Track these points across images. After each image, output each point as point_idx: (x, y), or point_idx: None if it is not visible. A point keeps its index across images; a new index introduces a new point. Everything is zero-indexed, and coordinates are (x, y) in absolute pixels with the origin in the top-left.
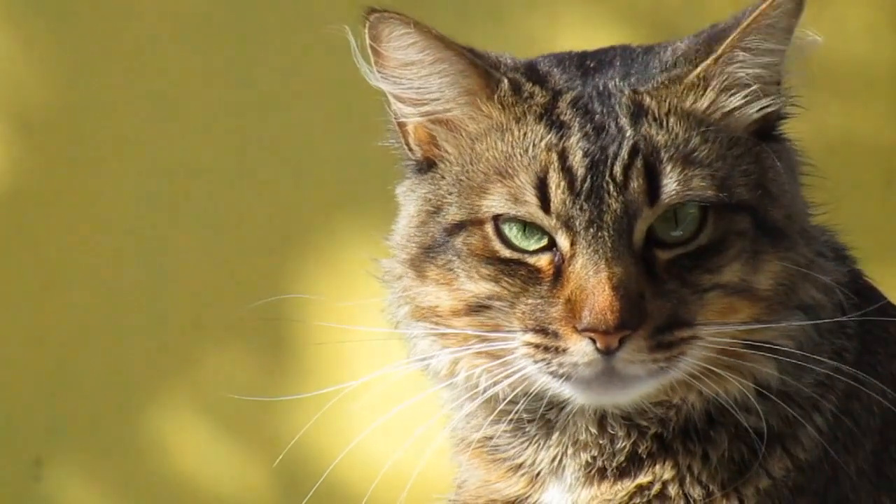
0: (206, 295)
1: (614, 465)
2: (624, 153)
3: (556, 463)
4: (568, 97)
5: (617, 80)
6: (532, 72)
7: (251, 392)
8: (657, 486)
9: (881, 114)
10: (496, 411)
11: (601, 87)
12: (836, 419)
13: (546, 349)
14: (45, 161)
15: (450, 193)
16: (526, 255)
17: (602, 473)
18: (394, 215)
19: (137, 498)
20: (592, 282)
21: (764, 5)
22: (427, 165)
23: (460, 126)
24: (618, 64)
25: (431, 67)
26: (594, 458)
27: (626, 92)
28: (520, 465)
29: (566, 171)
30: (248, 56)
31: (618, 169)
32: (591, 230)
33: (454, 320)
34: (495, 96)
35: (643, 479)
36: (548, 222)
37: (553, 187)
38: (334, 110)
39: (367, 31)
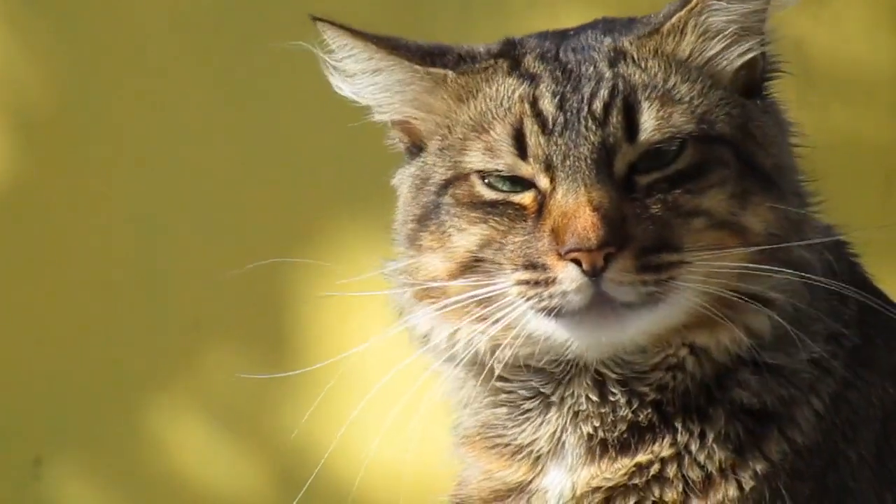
0: (206, 295)
1: (615, 435)
2: (604, 91)
3: (555, 440)
4: (535, 53)
5: (598, 34)
6: (503, 47)
7: (251, 392)
8: (656, 466)
9: (881, 114)
10: (491, 387)
11: (576, 43)
12: (835, 405)
13: (536, 283)
14: (45, 161)
15: (435, 163)
16: (510, 195)
17: (604, 446)
18: (392, 213)
19: (137, 497)
20: (573, 206)
21: None
22: (417, 149)
23: (430, 108)
24: (600, 26)
25: (384, 73)
26: (596, 429)
27: (606, 42)
28: (520, 448)
29: (537, 115)
30: (249, 56)
31: (597, 105)
32: (568, 161)
33: (451, 284)
34: (447, 84)
35: (642, 457)
36: (526, 170)
37: (528, 133)
38: (335, 110)
39: (320, 45)
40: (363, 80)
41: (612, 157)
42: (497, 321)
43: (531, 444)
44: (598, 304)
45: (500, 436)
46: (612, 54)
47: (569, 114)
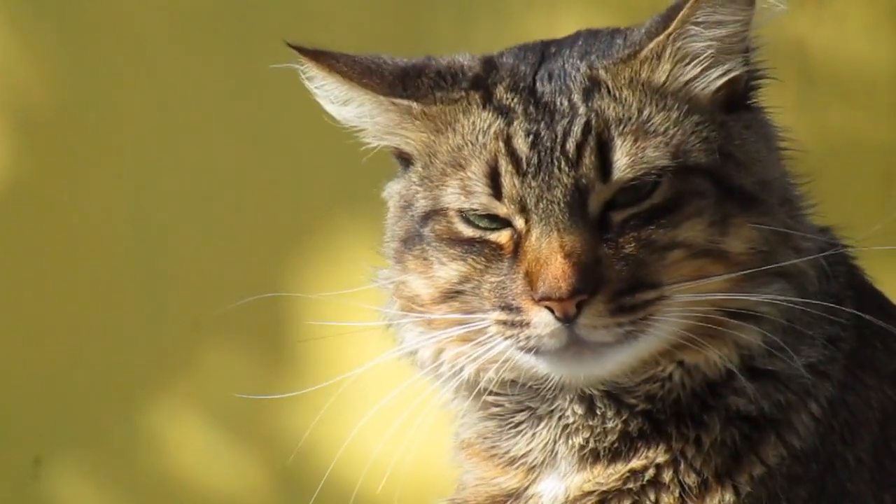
0: (206, 295)
1: (605, 445)
2: (577, 130)
3: (548, 451)
4: (508, 82)
5: (575, 58)
6: (481, 68)
7: (251, 392)
8: (651, 472)
9: (881, 114)
10: (482, 402)
11: (557, 68)
12: (833, 409)
13: (512, 324)
14: (44, 161)
15: (417, 190)
16: (487, 233)
17: (595, 455)
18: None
19: (136, 497)
20: (545, 252)
21: None
22: (407, 162)
23: (406, 138)
24: (580, 43)
25: (359, 102)
26: (586, 440)
27: (582, 69)
28: (514, 458)
29: (511, 155)
30: (249, 56)
31: (570, 146)
32: (542, 204)
33: (433, 308)
34: (427, 110)
35: (636, 462)
36: (502, 209)
37: (502, 173)
38: None
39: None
40: (340, 107)
41: (586, 198)
42: (481, 351)
43: (525, 456)
44: (575, 345)
45: (494, 446)
46: (587, 84)
47: (542, 153)
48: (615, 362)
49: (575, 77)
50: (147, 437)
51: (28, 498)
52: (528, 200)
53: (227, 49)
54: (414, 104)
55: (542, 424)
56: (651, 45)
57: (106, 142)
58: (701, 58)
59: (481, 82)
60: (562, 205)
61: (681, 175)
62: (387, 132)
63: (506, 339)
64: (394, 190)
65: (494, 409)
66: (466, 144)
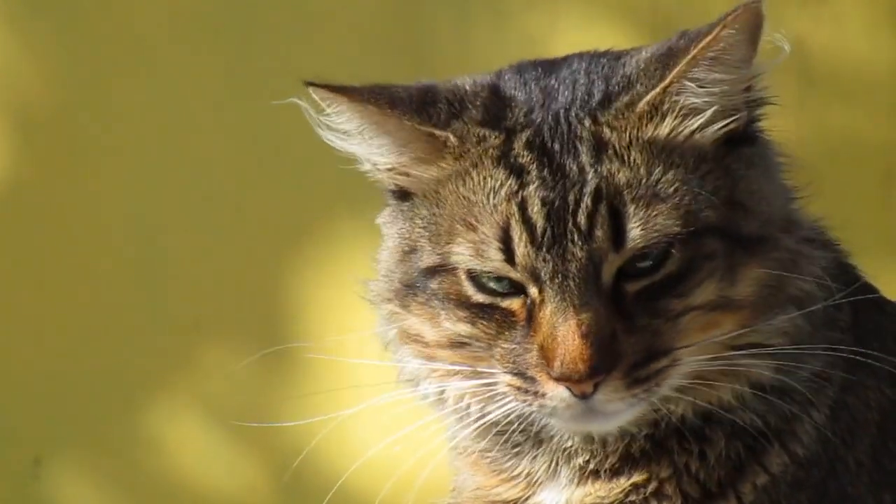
0: (206, 295)
1: (606, 466)
2: (587, 200)
3: (550, 470)
4: (524, 137)
5: (577, 106)
6: (492, 101)
7: (251, 392)
8: (653, 485)
9: (881, 114)
10: (488, 432)
11: (561, 117)
12: (834, 412)
13: (526, 391)
14: (44, 161)
15: (422, 236)
16: (499, 299)
17: (596, 474)
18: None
19: (136, 497)
20: (562, 330)
21: (706, 39)
22: (403, 195)
23: (420, 175)
24: (581, 80)
25: (375, 138)
26: (586, 461)
27: (587, 124)
28: (515, 476)
29: (526, 222)
30: (249, 56)
31: (581, 217)
32: (557, 280)
33: (438, 351)
34: (444, 153)
35: (638, 477)
36: (515, 274)
37: (516, 240)
38: None
39: (312, 102)
40: (356, 140)
41: (599, 269)
42: (489, 392)
43: (528, 474)
44: (588, 412)
45: (495, 462)
46: (593, 143)
47: (555, 225)
48: (624, 420)
49: (581, 134)
50: (147, 437)
51: (28, 498)
52: (542, 273)
53: (227, 49)
54: (450, 135)
55: (543, 447)
56: (647, 98)
57: (106, 142)
58: (706, 111)
59: (496, 120)
60: (577, 279)
61: (693, 239)
62: (402, 168)
63: (517, 400)
64: (394, 228)
65: (496, 429)
66: (477, 203)
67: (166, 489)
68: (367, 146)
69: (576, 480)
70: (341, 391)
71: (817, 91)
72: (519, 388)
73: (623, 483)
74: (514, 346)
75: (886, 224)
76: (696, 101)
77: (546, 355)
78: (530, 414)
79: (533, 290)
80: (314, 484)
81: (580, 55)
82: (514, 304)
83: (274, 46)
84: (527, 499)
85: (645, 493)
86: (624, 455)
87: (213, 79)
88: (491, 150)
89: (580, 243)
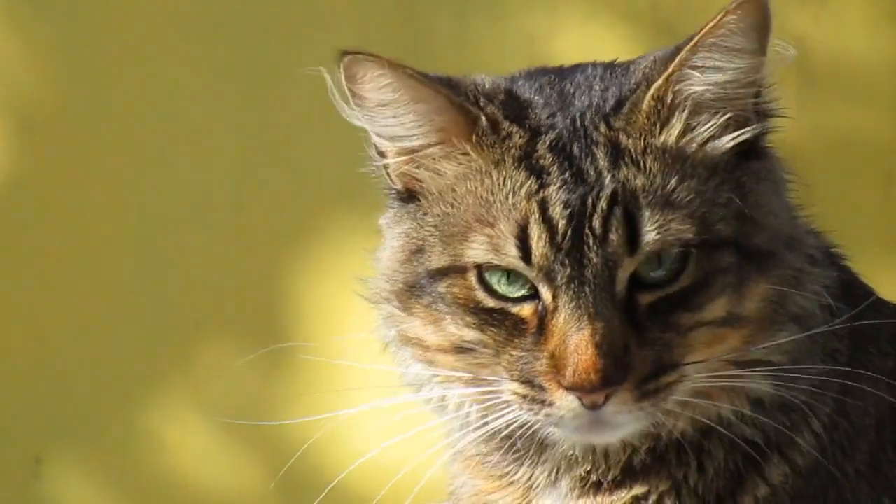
0: (206, 295)
1: (609, 478)
2: (602, 203)
3: (551, 477)
4: (547, 139)
5: (592, 112)
6: (511, 102)
7: (251, 392)
8: (653, 498)
9: (881, 114)
10: (491, 439)
11: (578, 122)
12: (832, 421)
13: (533, 400)
14: (44, 160)
15: (432, 235)
16: (510, 304)
17: (597, 487)
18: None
19: (137, 496)
20: (575, 339)
21: (708, 26)
22: (409, 196)
23: (439, 167)
24: (596, 86)
25: (407, 107)
26: (588, 472)
27: (602, 129)
28: (514, 482)
29: (547, 222)
30: (249, 56)
31: (597, 221)
32: (573, 286)
33: (439, 356)
34: (473, 136)
35: (639, 489)
36: (529, 273)
37: (534, 239)
38: (336, 110)
39: (342, 72)
40: (387, 112)
41: (614, 276)
42: (492, 400)
43: (528, 480)
44: (594, 423)
45: (495, 467)
46: (610, 149)
47: (575, 228)
48: (627, 433)
49: (598, 140)
50: (147, 436)
51: (28, 497)
52: (558, 276)
53: (227, 49)
54: (482, 115)
55: (546, 454)
56: (651, 93)
57: (106, 141)
58: (711, 108)
59: (521, 122)
60: (592, 286)
61: (707, 252)
62: (427, 146)
63: (521, 409)
64: (399, 228)
65: (496, 442)
66: (495, 202)
67: (166, 488)
68: (397, 120)
69: (577, 491)
70: (342, 392)
71: (817, 91)
72: (525, 397)
73: (623, 496)
74: (523, 353)
75: (886, 224)
76: (700, 90)
77: (557, 363)
78: (535, 423)
79: (546, 295)
80: (313, 485)
81: (593, 64)
82: (525, 310)
83: (273, 46)
84: None
85: None
86: (626, 468)
87: (213, 78)
88: (514, 150)
89: (595, 248)
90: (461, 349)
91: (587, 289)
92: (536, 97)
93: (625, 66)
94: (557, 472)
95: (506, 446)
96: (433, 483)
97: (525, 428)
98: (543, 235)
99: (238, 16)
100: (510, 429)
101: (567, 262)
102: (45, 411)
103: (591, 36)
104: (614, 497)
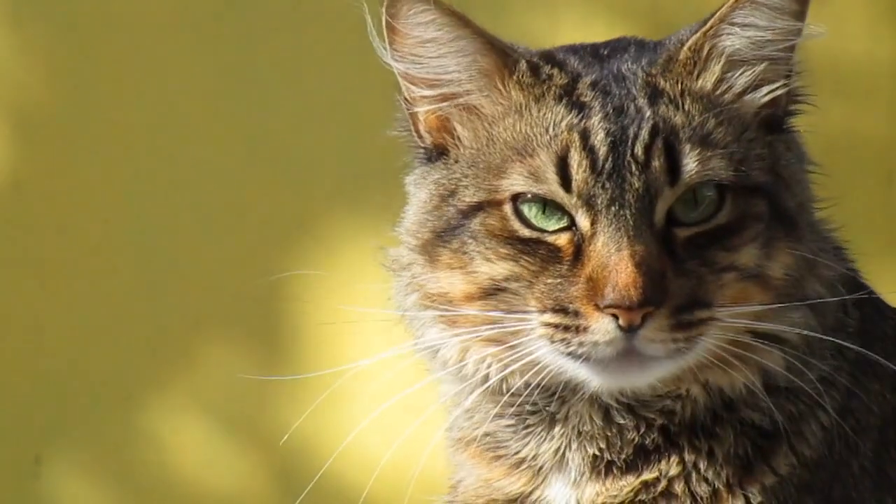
0: (206, 294)
1: (622, 458)
2: (644, 133)
3: (558, 456)
4: (588, 79)
5: (630, 63)
6: (548, 56)
7: (251, 392)
8: (663, 483)
9: (881, 113)
10: (500, 404)
11: (616, 71)
12: (840, 415)
13: (566, 328)
14: (44, 160)
15: (465, 176)
16: (545, 235)
17: (609, 467)
18: (394, 215)
19: (136, 495)
20: (615, 259)
21: None
22: (437, 153)
23: (477, 107)
24: (632, 51)
25: (449, 46)
26: (602, 450)
27: (640, 74)
28: (521, 461)
29: (588, 150)
30: (248, 55)
31: (639, 149)
32: (613, 208)
33: (466, 306)
34: (514, 77)
35: (648, 475)
36: (568, 201)
37: (574, 166)
38: (336, 109)
39: (384, 8)
40: (430, 51)
41: (654, 204)
42: (513, 353)
43: (534, 458)
44: (626, 356)
45: (501, 446)
46: (649, 90)
47: (616, 156)
48: (657, 376)
49: (636, 83)
50: (147, 435)
51: (28, 497)
52: (598, 200)
53: (227, 49)
54: (522, 60)
55: (558, 428)
56: (688, 44)
57: (106, 141)
58: (751, 67)
59: (564, 69)
60: (633, 210)
61: (743, 194)
62: (466, 86)
63: (553, 342)
64: (430, 179)
65: (510, 409)
66: (535, 135)
67: (166, 487)
68: (438, 60)
69: (587, 472)
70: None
71: (817, 91)
72: (558, 326)
73: (633, 481)
74: (558, 280)
75: (887, 224)
76: (737, 44)
77: (596, 285)
78: (562, 364)
79: (584, 223)
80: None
81: (624, 37)
82: (561, 239)
83: (274, 46)
84: (530, 493)
85: (655, 493)
86: (639, 447)
87: (212, 78)
88: (555, 89)
89: (637, 173)
90: (490, 292)
91: (627, 213)
92: (571, 57)
93: (656, 42)
94: (565, 451)
95: (513, 415)
96: (433, 477)
97: (542, 388)
98: (584, 162)
99: (238, 16)
100: (526, 379)
101: (608, 185)
102: (45, 411)
103: (591, 36)
104: (623, 482)
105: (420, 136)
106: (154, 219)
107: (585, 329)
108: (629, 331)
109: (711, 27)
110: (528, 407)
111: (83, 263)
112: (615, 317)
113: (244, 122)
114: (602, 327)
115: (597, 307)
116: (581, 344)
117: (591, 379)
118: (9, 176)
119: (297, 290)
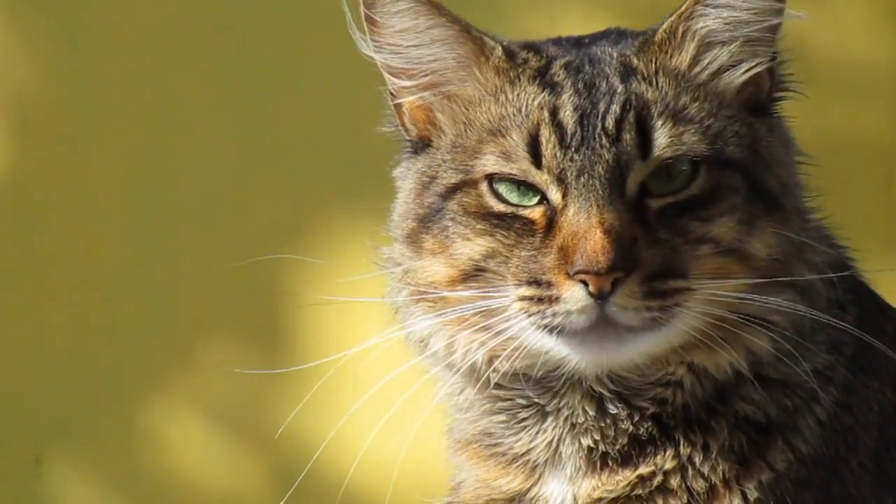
0: (205, 293)
1: (616, 448)
2: (615, 107)
3: (552, 450)
4: (562, 61)
5: (607, 46)
6: (528, 44)
7: (250, 390)
8: (659, 478)
9: (881, 113)
10: (490, 395)
11: (592, 54)
12: (836, 412)
13: (540, 300)
14: (44, 160)
15: (444, 161)
16: (520, 209)
17: (604, 459)
18: (390, 213)
19: (137, 496)
20: (584, 226)
21: None
22: (423, 145)
23: (456, 95)
24: (612, 37)
25: (427, 34)
26: (596, 442)
27: (615, 55)
28: (516, 457)
29: (556, 125)
30: (249, 55)
31: (610, 122)
32: (583, 179)
33: (450, 292)
34: (490, 62)
35: (644, 469)
36: (539, 178)
37: (544, 142)
38: (334, 109)
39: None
40: (408, 40)
41: (625, 176)
42: (497, 334)
43: (528, 454)
44: (601, 326)
45: (496, 444)
46: (622, 69)
47: (585, 130)
48: (636, 350)
49: (610, 62)
50: (147, 435)
51: (29, 497)
52: (567, 174)
53: (227, 49)
54: (499, 46)
55: (549, 421)
56: (664, 25)
57: (106, 141)
58: (724, 45)
59: (539, 52)
60: (602, 180)
61: (717, 167)
62: (445, 82)
63: (530, 315)
64: (413, 168)
65: (501, 404)
66: (508, 115)
67: (166, 487)
68: (415, 48)
69: (583, 466)
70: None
71: (817, 91)
72: (532, 298)
73: (629, 476)
74: (531, 253)
75: (887, 224)
76: (711, 24)
77: (566, 253)
78: (539, 339)
79: (556, 196)
80: (314, 484)
81: (607, 29)
82: (534, 213)
83: (274, 46)
84: (528, 490)
85: (651, 487)
86: (633, 437)
87: (212, 78)
88: (529, 71)
89: (608, 146)
90: (470, 274)
91: (597, 183)
92: (551, 46)
93: (639, 31)
94: (558, 444)
95: (505, 411)
96: (434, 479)
97: (533, 380)
98: (552, 137)
99: (238, 16)
100: (512, 361)
101: (576, 158)
102: (45, 411)
103: None
104: (620, 477)
105: (406, 129)
106: (154, 218)
107: (558, 299)
108: (600, 297)
109: (686, 9)
110: (519, 401)
111: (83, 263)
112: (585, 283)
113: (245, 122)
114: (573, 295)
115: (567, 275)
116: (555, 314)
117: (571, 356)
118: (9, 176)
119: (297, 290)
